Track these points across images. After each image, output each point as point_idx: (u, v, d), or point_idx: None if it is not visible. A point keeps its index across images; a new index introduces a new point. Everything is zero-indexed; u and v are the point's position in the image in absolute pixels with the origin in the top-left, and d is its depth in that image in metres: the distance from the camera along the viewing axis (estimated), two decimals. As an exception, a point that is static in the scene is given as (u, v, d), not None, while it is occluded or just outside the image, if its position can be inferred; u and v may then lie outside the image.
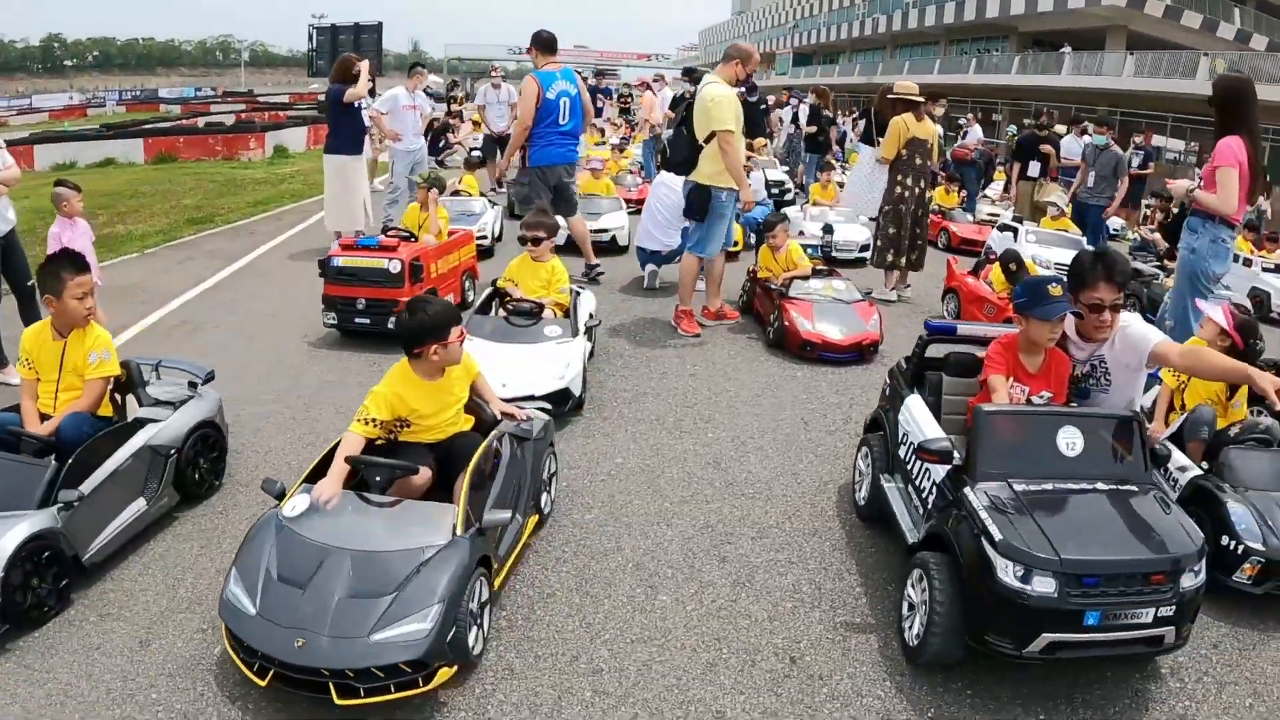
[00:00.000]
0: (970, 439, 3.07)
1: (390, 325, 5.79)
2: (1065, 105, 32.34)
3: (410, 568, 2.66)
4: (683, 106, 6.47)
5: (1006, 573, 2.66)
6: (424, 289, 6.04)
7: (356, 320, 5.98)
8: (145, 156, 19.61)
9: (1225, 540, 3.47)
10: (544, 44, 7.03)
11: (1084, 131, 13.58)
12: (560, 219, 6.69)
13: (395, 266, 5.88)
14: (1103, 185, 10.78)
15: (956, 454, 3.05)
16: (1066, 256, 8.93)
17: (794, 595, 3.32)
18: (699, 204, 6.09)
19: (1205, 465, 3.79)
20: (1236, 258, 10.65)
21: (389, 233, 6.51)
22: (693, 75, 13.35)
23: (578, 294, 5.59)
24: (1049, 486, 2.93)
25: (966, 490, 2.94)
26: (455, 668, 2.66)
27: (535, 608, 3.17)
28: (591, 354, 5.72)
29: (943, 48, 44.85)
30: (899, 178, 7.70)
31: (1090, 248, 9.25)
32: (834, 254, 9.34)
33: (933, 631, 2.81)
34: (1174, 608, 2.69)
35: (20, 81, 75.25)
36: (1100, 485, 2.96)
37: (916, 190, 7.71)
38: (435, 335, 3.20)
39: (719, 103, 5.81)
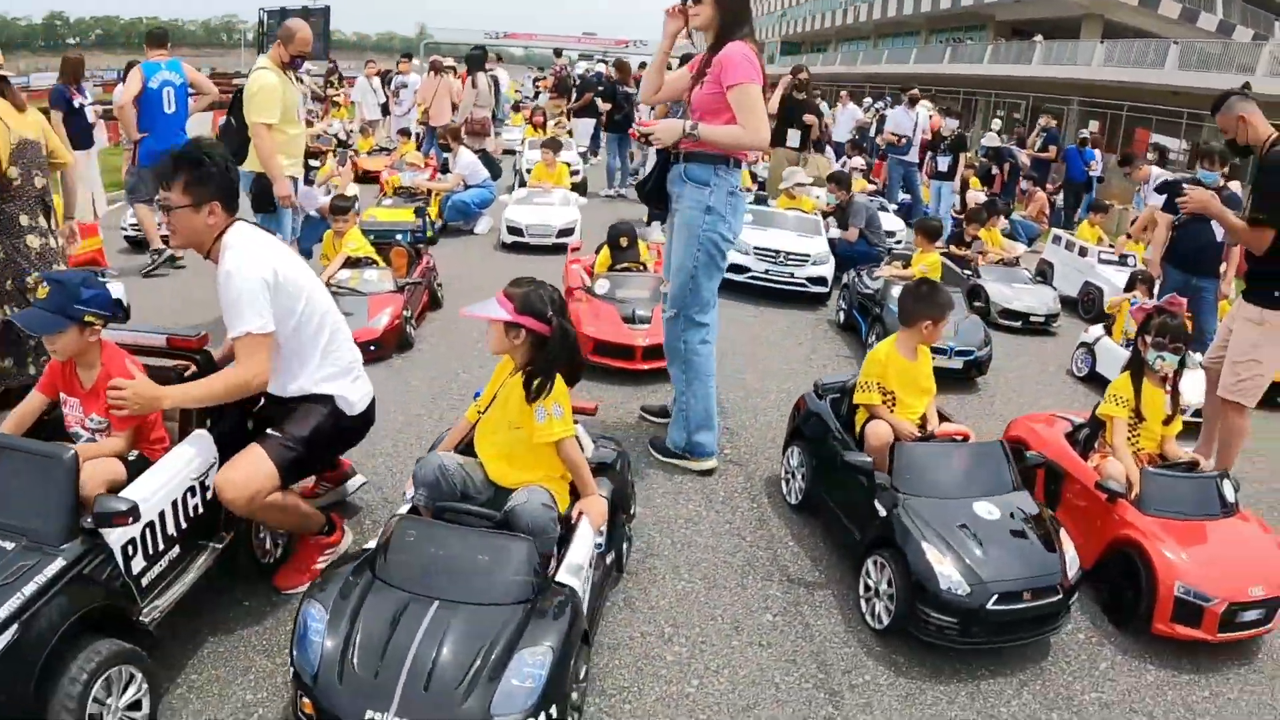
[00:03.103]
0: None
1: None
2: (1037, 95, 31.69)
3: None
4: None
5: None
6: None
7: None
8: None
9: None
10: (152, 38, 7.62)
11: (914, 103, 12.38)
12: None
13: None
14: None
15: None
16: (784, 241, 7.75)
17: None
18: (263, 194, 5.74)
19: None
20: (1071, 245, 9.18)
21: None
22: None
23: None
24: None
25: None
26: None
27: None
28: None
29: (924, 37, 43.95)
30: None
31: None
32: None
33: None
34: None
35: (23, 59, 75.31)
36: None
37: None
38: None
39: (256, 91, 5.56)
